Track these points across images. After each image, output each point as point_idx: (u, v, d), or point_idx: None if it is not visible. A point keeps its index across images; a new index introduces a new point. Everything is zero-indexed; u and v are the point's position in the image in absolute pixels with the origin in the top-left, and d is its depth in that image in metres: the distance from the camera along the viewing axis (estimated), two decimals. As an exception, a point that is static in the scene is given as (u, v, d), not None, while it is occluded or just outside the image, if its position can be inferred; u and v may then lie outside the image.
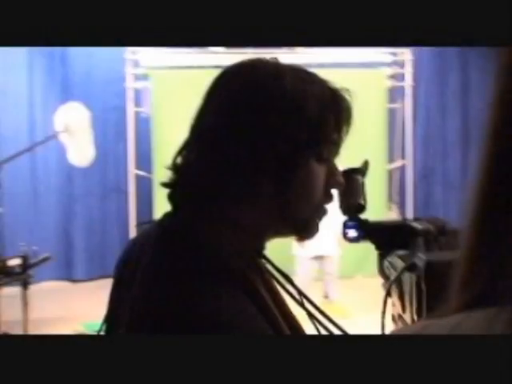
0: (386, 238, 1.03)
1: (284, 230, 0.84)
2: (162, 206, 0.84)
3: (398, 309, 0.98)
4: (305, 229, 0.85)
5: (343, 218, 1.03)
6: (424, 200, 7.16)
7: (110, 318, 0.83)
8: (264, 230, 0.83)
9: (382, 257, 1.04)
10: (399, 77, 6.70)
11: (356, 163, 1.01)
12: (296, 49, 5.95)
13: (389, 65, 6.65)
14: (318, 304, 0.88)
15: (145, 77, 6.36)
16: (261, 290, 0.76)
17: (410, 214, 6.18)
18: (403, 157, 6.75)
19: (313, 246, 4.54)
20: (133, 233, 6.07)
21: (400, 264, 0.95)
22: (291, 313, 0.82)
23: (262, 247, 0.85)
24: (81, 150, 4.68)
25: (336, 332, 0.85)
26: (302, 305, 0.85)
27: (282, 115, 0.77)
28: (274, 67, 0.81)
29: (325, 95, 0.81)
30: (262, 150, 0.76)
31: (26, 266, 3.88)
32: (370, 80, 6.29)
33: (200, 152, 0.80)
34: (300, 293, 0.86)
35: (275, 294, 0.82)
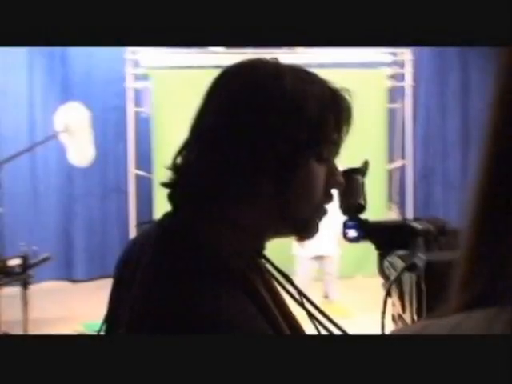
0: (386, 237, 1.03)
1: (284, 229, 0.84)
2: (161, 206, 0.84)
3: (398, 309, 0.98)
4: (305, 229, 0.85)
5: (343, 218, 1.03)
6: (424, 200, 7.16)
7: (110, 318, 0.83)
8: (264, 230, 0.83)
9: (381, 257, 1.04)
10: (399, 77, 6.70)
11: (356, 163, 1.01)
12: (296, 49, 5.95)
13: (389, 65, 6.65)
14: (318, 304, 0.88)
15: (145, 77, 6.36)
16: (261, 290, 0.76)
17: (410, 214, 6.18)
18: (403, 157, 6.75)
19: (313, 246, 4.54)
20: (133, 233, 6.07)
21: (400, 264, 0.95)
22: (291, 313, 0.82)
23: (262, 247, 0.85)
24: (81, 150, 4.68)
25: (336, 332, 0.85)
26: (302, 305, 0.85)
27: (281, 115, 0.77)
28: (274, 67, 0.81)
29: (325, 95, 0.81)
30: (262, 150, 0.76)
31: (26, 265, 3.88)
32: (369, 80, 6.29)
33: (200, 152, 0.80)
34: (300, 293, 0.86)
35: (275, 294, 0.82)
